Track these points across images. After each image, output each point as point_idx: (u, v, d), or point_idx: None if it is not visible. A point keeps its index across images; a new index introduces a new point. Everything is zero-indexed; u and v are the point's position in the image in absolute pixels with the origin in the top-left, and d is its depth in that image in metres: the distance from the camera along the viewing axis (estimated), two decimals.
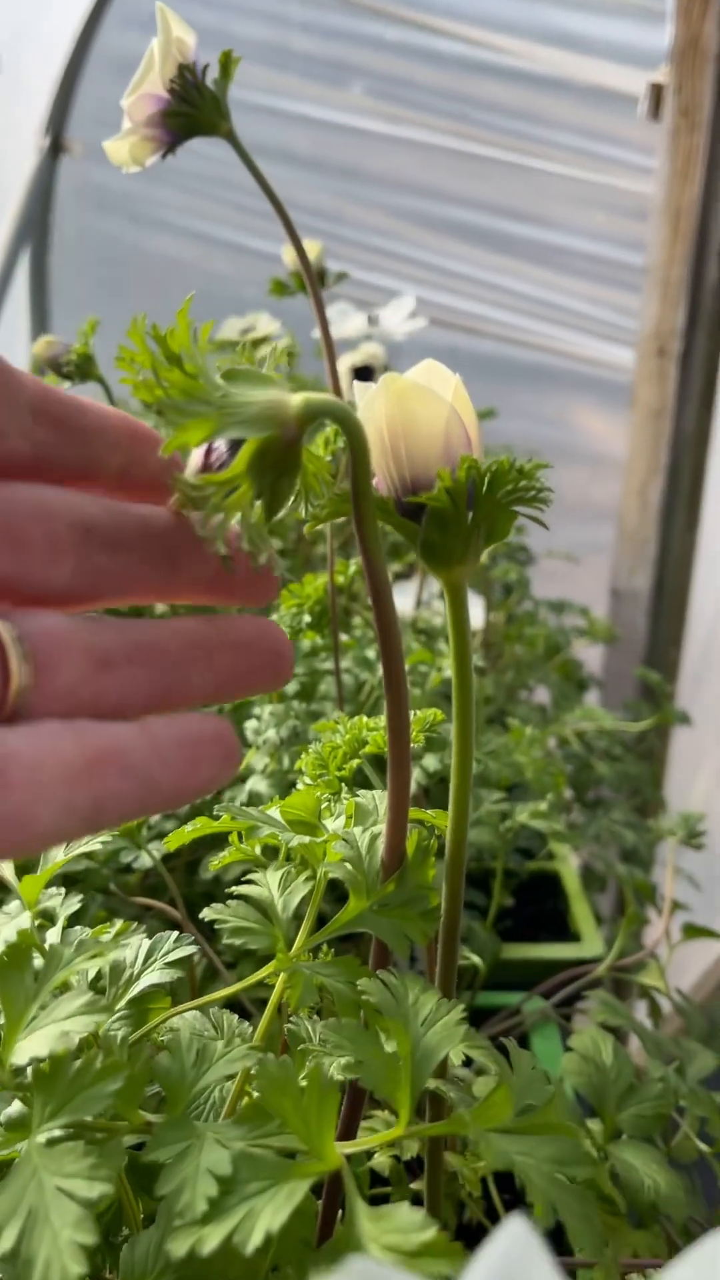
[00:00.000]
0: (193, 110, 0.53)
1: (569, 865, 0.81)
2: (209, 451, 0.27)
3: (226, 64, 0.54)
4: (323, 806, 0.40)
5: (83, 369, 0.68)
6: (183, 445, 0.26)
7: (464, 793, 0.30)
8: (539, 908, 0.79)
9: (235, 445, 0.27)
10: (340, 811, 0.36)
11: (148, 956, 0.35)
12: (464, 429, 0.28)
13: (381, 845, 0.31)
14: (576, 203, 2.05)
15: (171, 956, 0.34)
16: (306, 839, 0.31)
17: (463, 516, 0.28)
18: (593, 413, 2.19)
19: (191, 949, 0.35)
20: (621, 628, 1.62)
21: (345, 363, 1.20)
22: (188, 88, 0.53)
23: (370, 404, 0.28)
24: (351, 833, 0.32)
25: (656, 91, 1.46)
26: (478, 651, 1.01)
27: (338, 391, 0.67)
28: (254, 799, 0.60)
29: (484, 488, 0.27)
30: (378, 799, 0.35)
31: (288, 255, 0.94)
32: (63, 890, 0.47)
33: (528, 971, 0.72)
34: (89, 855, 0.56)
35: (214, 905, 0.31)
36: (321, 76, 2.16)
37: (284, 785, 0.60)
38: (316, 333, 1.19)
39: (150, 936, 0.60)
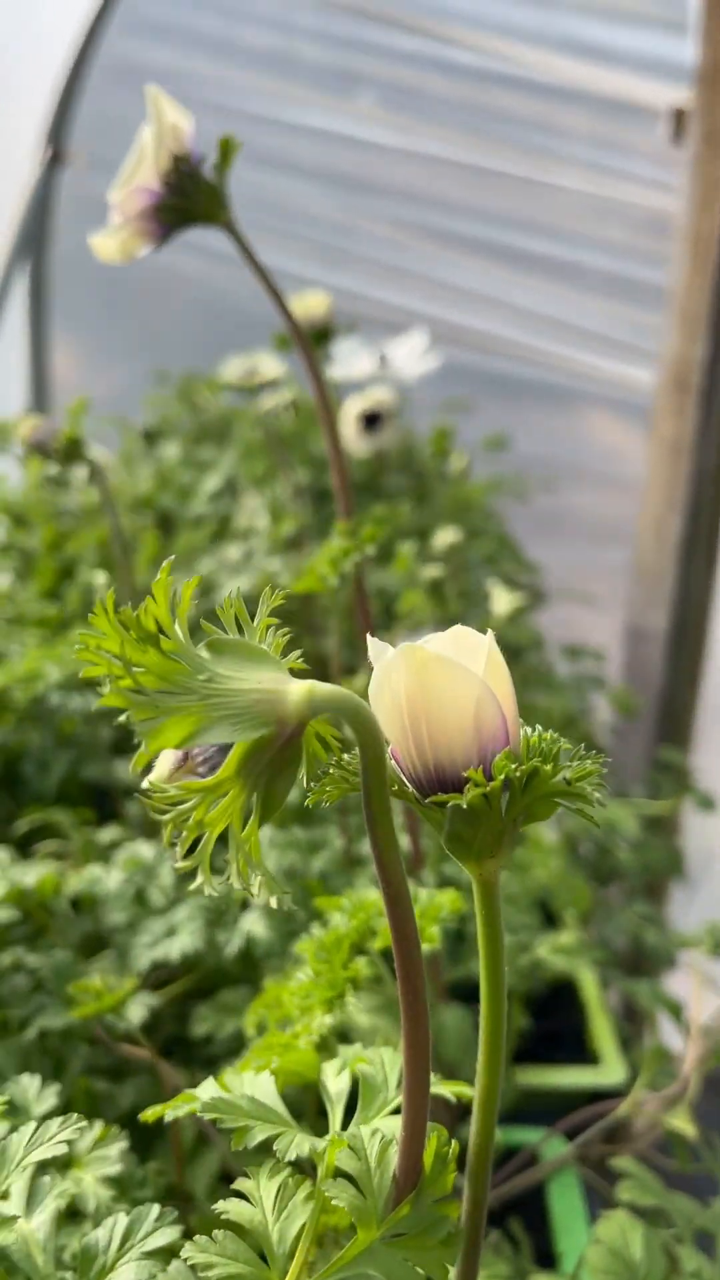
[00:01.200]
0: (189, 203, 0.49)
1: (588, 973, 0.77)
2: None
3: (226, 152, 0.49)
4: (323, 1023, 0.36)
5: (71, 453, 0.63)
6: (160, 749, 0.22)
7: (488, 1122, 0.26)
8: (555, 1023, 0.74)
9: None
10: (344, 1063, 0.32)
11: (124, 1239, 0.31)
12: (498, 708, 0.23)
13: (394, 1156, 0.27)
14: (593, 217, 2.00)
15: (150, 1245, 0.30)
16: (306, 1146, 0.27)
17: (496, 813, 0.23)
18: (607, 431, 2.15)
19: (174, 1231, 0.30)
20: (637, 666, 1.57)
21: (352, 408, 1.15)
22: (184, 179, 0.48)
23: (387, 674, 0.24)
24: (359, 1136, 0.27)
25: (679, 116, 1.41)
26: None
27: (341, 468, 0.62)
28: (252, 942, 0.55)
29: (521, 787, 0.23)
30: (387, 1067, 0.30)
31: (297, 307, 0.89)
32: (38, 1078, 0.43)
33: (545, 1101, 0.67)
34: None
35: (197, 1239, 0.27)
36: (330, 86, 2.11)
37: (284, 929, 0.55)
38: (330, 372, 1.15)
39: (135, 1091, 0.56)
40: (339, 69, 2.12)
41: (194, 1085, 0.32)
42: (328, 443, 0.83)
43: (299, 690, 0.22)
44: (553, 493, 1.71)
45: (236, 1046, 0.59)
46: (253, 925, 0.55)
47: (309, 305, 0.89)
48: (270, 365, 1.18)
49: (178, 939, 0.53)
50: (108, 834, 0.71)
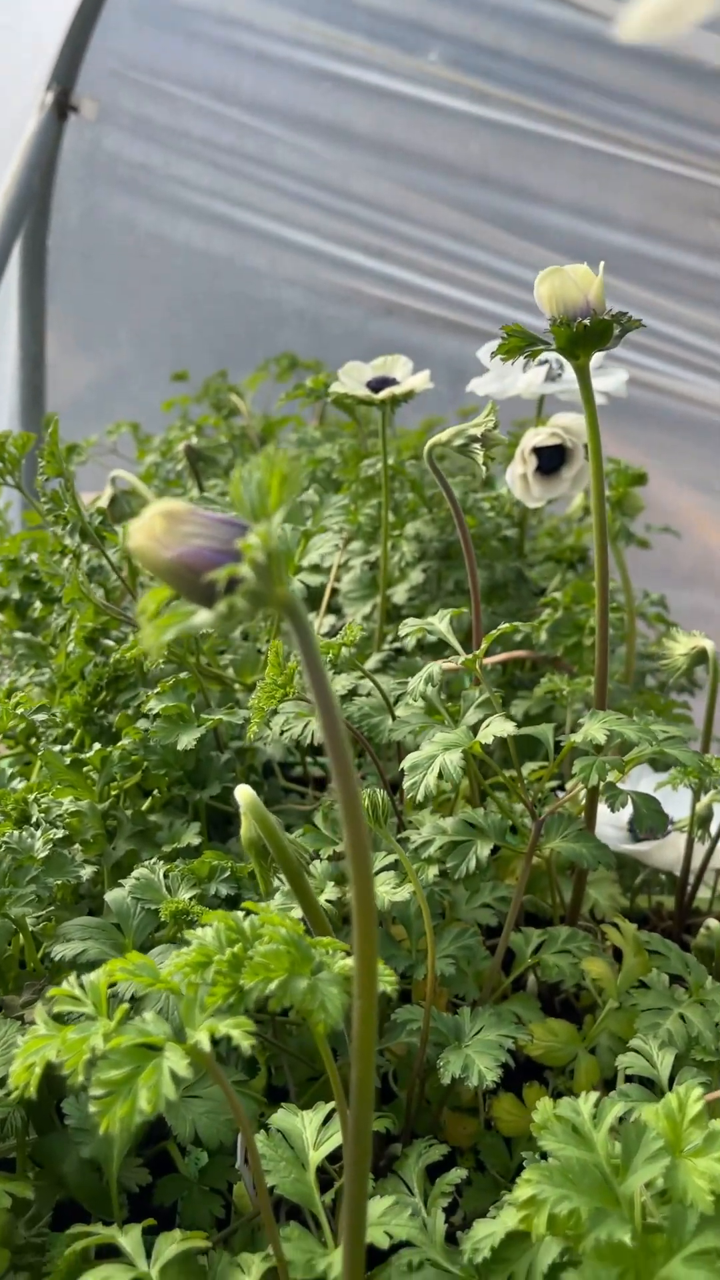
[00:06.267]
0: None
1: None
2: None
3: None
4: None
5: None
6: None
7: None
8: None
9: None
10: None
11: None
12: None
13: None
14: (687, 210, 1.63)
15: None
16: None
17: None
18: (686, 458, 1.76)
19: None
20: None
21: (527, 441, 0.77)
22: None
23: None
24: None
25: None
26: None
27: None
28: None
29: None
30: None
31: (543, 287, 0.50)
32: None
33: None
34: None
35: None
36: (392, 39, 1.71)
37: None
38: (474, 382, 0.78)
39: None
40: (403, 19, 1.72)
41: None
42: (598, 556, 0.46)
43: None
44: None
45: None
46: None
47: (570, 282, 0.50)
48: (406, 372, 0.79)
49: None
50: None
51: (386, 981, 0.32)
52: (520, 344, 0.50)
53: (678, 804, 0.68)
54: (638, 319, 0.51)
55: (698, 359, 1.66)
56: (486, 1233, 0.37)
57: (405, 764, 0.49)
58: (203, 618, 0.27)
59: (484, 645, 0.54)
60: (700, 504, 1.76)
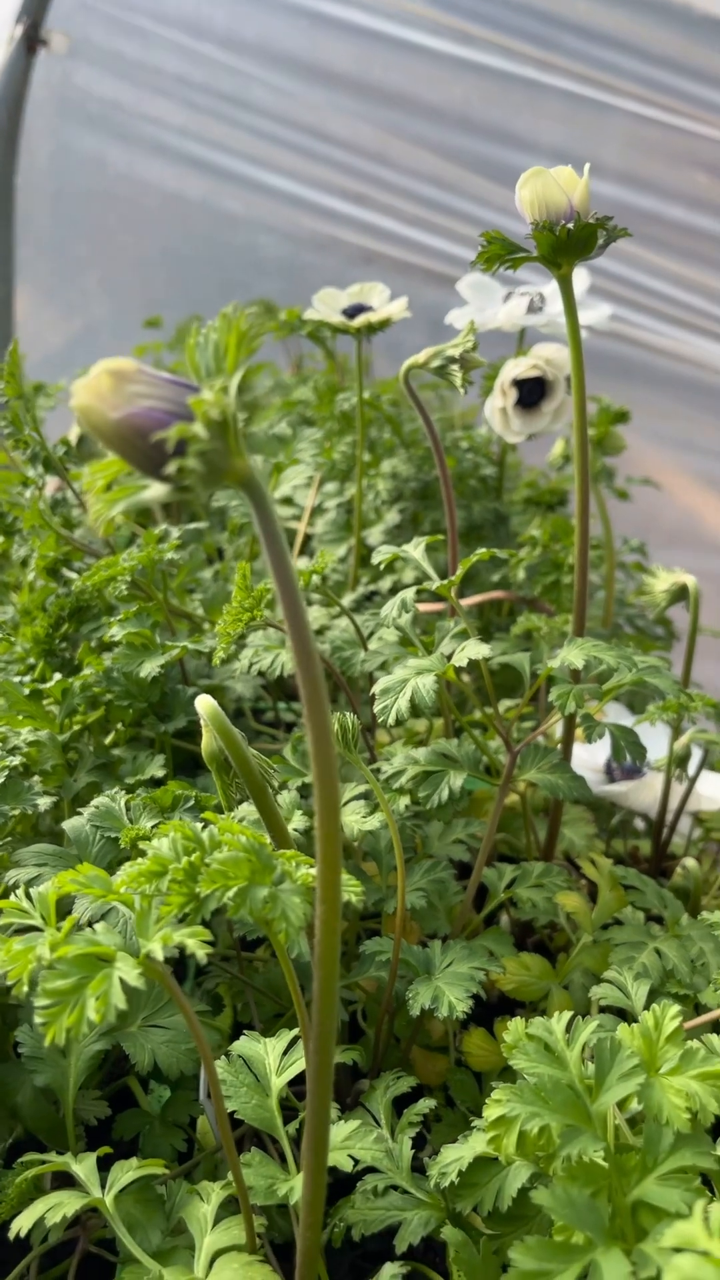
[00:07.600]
0: None
1: None
2: None
3: None
4: None
5: None
6: None
7: None
8: None
9: None
10: None
11: None
12: None
13: None
14: (674, 159, 1.60)
15: None
16: None
17: None
18: (668, 417, 1.75)
19: None
20: None
21: (508, 373, 0.75)
22: None
23: None
24: None
25: None
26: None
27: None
28: None
29: None
30: None
31: (525, 190, 0.48)
32: None
33: None
34: None
35: None
36: None
37: None
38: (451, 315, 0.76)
39: None
40: None
41: None
42: (578, 475, 0.45)
43: None
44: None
45: None
46: None
47: (554, 184, 0.48)
48: (383, 300, 0.76)
49: None
50: None
51: (351, 891, 0.30)
52: (501, 251, 0.48)
53: (654, 746, 0.67)
54: (624, 228, 0.49)
55: (682, 314, 1.64)
56: (454, 1157, 0.36)
57: (376, 688, 0.47)
58: (154, 491, 0.25)
59: (460, 571, 0.53)
60: (681, 464, 1.75)
